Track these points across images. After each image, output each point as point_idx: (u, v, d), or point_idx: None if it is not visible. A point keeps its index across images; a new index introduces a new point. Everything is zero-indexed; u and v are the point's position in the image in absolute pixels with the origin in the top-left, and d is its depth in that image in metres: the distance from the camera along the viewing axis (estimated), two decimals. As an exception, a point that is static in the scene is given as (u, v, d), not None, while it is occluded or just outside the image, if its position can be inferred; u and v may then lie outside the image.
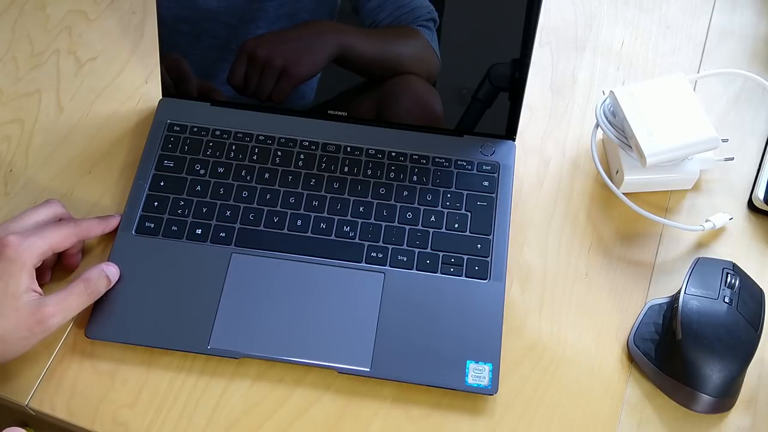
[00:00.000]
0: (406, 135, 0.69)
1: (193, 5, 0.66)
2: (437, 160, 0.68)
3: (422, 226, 0.65)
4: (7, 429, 0.53)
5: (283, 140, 0.68)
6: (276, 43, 0.66)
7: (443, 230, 0.65)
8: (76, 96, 0.73)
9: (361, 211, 0.65)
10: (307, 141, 0.68)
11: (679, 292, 0.60)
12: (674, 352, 0.58)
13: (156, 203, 0.65)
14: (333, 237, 0.64)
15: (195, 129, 0.69)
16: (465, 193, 0.66)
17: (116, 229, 0.64)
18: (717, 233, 0.68)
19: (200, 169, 0.67)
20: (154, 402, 0.58)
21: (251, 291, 0.61)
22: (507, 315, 0.62)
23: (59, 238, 0.59)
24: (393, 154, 0.68)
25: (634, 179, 0.67)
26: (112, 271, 0.60)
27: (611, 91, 0.67)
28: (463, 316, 0.61)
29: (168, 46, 0.68)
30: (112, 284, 0.60)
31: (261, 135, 0.69)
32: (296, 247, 0.63)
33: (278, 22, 0.66)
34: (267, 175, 0.67)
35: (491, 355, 0.59)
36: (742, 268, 0.62)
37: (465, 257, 0.63)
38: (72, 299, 0.57)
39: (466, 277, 0.62)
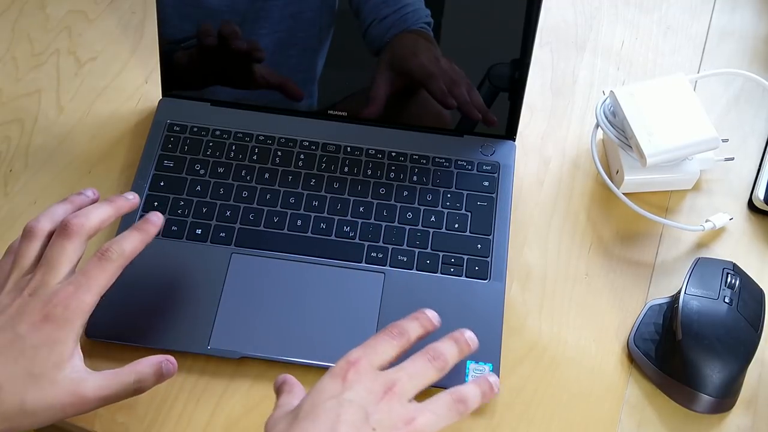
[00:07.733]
0: (406, 135, 0.69)
1: (194, 5, 0.66)
2: (437, 160, 0.68)
3: (422, 226, 0.65)
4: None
5: (283, 140, 0.68)
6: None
7: (443, 230, 0.64)
8: (76, 96, 0.73)
9: (361, 211, 0.65)
10: (307, 141, 0.68)
11: (679, 293, 0.60)
12: (674, 352, 0.58)
13: (156, 203, 0.65)
14: (333, 237, 0.64)
15: (195, 129, 0.69)
16: (465, 193, 0.66)
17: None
18: (717, 233, 0.67)
19: (200, 169, 0.67)
20: (154, 402, 0.58)
21: (251, 291, 0.61)
22: (507, 315, 0.62)
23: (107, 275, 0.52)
24: (393, 154, 0.68)
25: (634, 179, 0.67)
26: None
27: (611, 91, 0.67)
28: (463, 316, 0.61)
29: (168, 45, 0.68)
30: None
31: (261, 135, 0.68)
32: (296, 247, 0.63)
33: (284, 22, 0.66)
34: (267, 175, 0.67)
35: (491, 355, 0.59)
36: (742, 268, 0.62)
37: (465, 257, 0.63)
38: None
39: (466, 277, 0.62)
